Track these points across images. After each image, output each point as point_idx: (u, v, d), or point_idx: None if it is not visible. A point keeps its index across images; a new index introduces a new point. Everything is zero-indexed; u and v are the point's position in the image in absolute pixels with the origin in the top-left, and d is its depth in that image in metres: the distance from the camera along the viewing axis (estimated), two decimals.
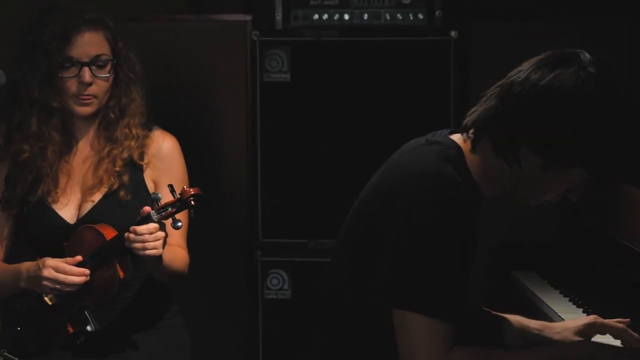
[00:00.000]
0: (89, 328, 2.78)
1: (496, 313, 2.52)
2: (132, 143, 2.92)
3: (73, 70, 2.87)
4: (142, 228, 2.63)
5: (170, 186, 2.67)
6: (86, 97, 2.88)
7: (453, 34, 3.62)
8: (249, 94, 3.71)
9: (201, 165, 3.78)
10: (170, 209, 2.65)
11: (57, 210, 2.88)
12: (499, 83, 2.23)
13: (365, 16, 3.66)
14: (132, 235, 2.64)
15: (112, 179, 2.88)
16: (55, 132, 2.91)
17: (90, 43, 2.89)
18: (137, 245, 2.64)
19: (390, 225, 2.15)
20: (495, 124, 2.20)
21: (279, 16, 3.67)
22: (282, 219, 3.74)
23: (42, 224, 2.88)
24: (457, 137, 2.27)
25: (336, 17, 3.67)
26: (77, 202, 2.90)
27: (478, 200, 2.25)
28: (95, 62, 2.88)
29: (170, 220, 2.65)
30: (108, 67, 2.90)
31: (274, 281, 3.76)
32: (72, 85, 2.88)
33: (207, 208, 3.79)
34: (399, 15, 3.65)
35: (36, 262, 2.75)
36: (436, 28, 3.65)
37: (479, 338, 2.35)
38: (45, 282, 2.71)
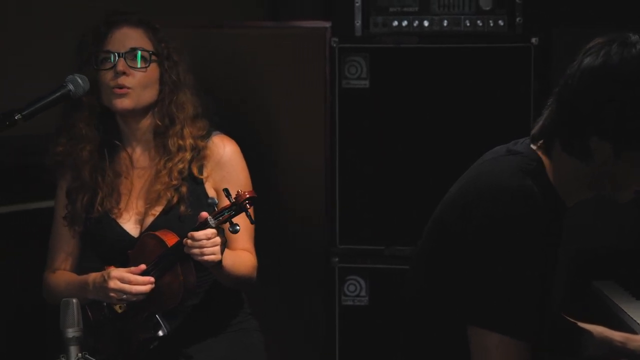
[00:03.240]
0: (160, 333, 2.79)
1: (578, 323, 2.48)
2: (187, 155, 2.89)
3: (110, 63, 2.87)
4: (199, 234, 2.64)
5: (226, 190, 2.66)
6: (120, 88, 2.85)
7: (534, 40, 3.58)
8: (328, 101, 3.71)
9: (280, 172, 3.80)
10: (227, 214, 2.64)
11: (122, 225, 2.91)
12: (556, 89, 2.21)
13: (445, 23, 3.64)
14: (189, 241, 2.65)
15: (170, 193, 2.87)
16: (107, 137, 2.93)
17: (127, 36, 2.89)
18: (195, 250, 2.65)
19: (467, 239, 2.13)
20: (559, 124, 2.17)
21: (358, 23, 3.67)
22: (360, 225, 3.74)
23: (107, 238, 2.91)
24: (536, 147, 2.24)
25: (416, 23, 3.65)
26: (139, 215, 2.91)
27: (561, 212, 2.21)
28: (131, 53, 2.87)
29: (228, 225, 2.65)
30: (146, 61, 2.88)
31: (351, 288, 3.76)
32: (109, 78, 2.86)
33: (285, 214, 3.82)
34: (479, 21, 3.63)
35: (102, 273, 2.78)
36: (517, 34, 3.61)
37: (558, 350, 2.32)
38: (111, 294, 2.73)
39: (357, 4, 3.66)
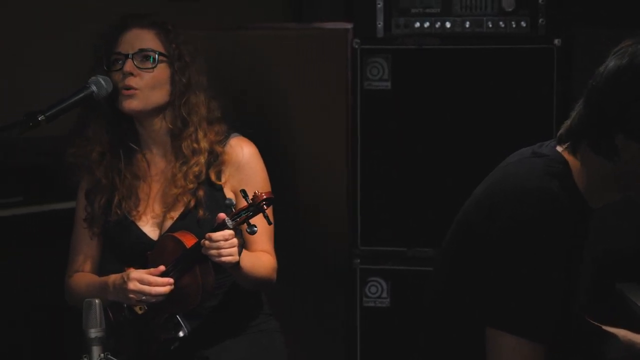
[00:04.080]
0: (181, 333, 2.80)
1: (602, 327, 2.47)
2: (201, 159, 2.89)
3: (119, 65, 2.87)
4: (217, 235, 2.64)
5: (243, 191, 2.66)
6: (128, 88, 2.84)
7: (556, 41, 3.57)
8: (350, 102, 3.71)
9: (301, 173, 3.80)
10: (244, 215, 2.64)
11: (141, 227, 2.91)
12: (584, 90, 2.21)
13: (467, 24, 3.63)
14: (207, 242, 2.65)
15: (187, 197, 2.87)
16: (123, 140, 2.94)
17: (136, 38, 2.88)
18: (213, 252, 2.65)
19: (491, 240, 2.13)
20: (587, 125, 2.16)
21: (380, 24, 3.67)
22: (382, 227, 3.73)
23: (126, 241, 2.91)
24: (562, 149, 2.24)
25: (438, 25, 3.65)
26: (157, 218, 2.92)
27: (586, 214, 2.21)
28: (139, 54, 2.86)
29: (245, 226, 2.66)
30: (154, 62, 2.87)
31: (373, 289, 3.75)
32: (119, 80, 2.86)
33: (307, 216, 3.83)
34: (501, 23, 3.62)
35: (121, 274, 2.78)
36: (539, 36, 3.60)
37: (581, 353, 2.31)
38: (131, 295, 2.74)
39: (379, 5, 3.65)
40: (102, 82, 2.79)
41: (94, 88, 2.78)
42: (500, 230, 2.12)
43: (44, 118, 2.64)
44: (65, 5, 4.52)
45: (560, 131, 2.24)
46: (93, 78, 2.79)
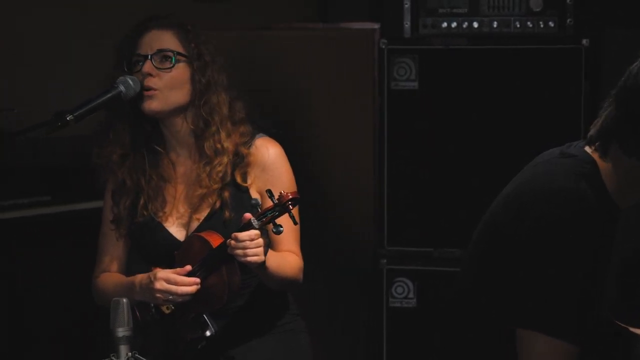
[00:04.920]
0: (208, 333, 2.80)
1: (630, 328, 2.46)
2: (225, 159, 2.87)
3: (139, 66, 2.86)
4: (242, 235, 2.63)
5: (269, 191, 2.65)
6: (148, 89, 2.83)
7: (585, 42, 3.56)
8: (377, 102, 3.71)
9: (328, 173, 3.81)
10: (270, 215, 2.63)
11: (167, 228, 2.91)
12: (614, 90, 2.20)
13: (495, 24, 3.63)
14: (233, 242, 2.64)
15: (212, 198, 2.86)
16: (148, 142, 2.94)
17: (155, 39, 2.87)
18: (239, 251, 2.64)
19: (519, 240, 2.13)
20: (617, 125, 2.15)
21: (407, 24, 3.67)
22: (408, 227, 3.73)
23: (153, 242, 2.91)
24: (591, 150, 2.23)
25: (465, 25, 3.64)
26: (184, 219, 2.91)
27: (614, 215, 2.20)
28: (158, 55, 2.85)
29: (271, 226, 2.66)
30: (172, 62, 2.85)
31: (399, 289, 3.75)
32: (140, 81, 2.85)
33: (334, 216, 3.83)
34: (529, 23, 3.61)
35: (148, 274, 2.78)
36: (567, 36, 3.59)
37: (607, 354, 2.30)
38: (158, 295, 2.74)
39: (406, 5, 3.65)
40: (130, 82, 2.80)
41: (122, 88, 2.78)
42: (529, 230, 2.11)
43: (72, 118, 2.65)
44: (93, 9, 4.56)
45: (590, 132, 2.23)
46: (121, 78, 2.80)
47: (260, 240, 2.65)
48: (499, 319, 2.17)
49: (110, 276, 2.99)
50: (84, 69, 4.12)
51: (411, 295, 3.74)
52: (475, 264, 2.27)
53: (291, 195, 2.62)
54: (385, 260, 3.75)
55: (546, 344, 2.09)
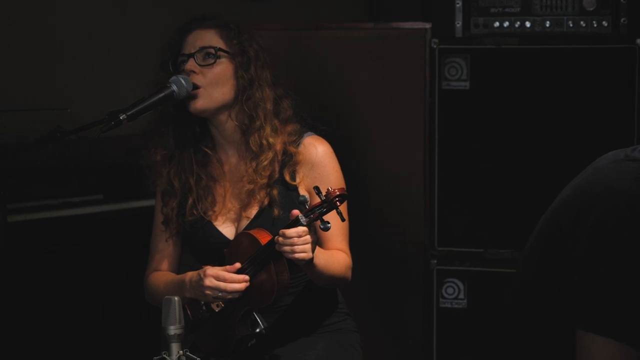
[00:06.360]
0: (257, 330, 2.81)
1: None
2: (270, 154, 2.88)
3: (184, 66, 2.89)
4: (290, 231, 2.63)
5: (317, 188, 2.65)
6: (193, 88, 2.85)
7: (639, 41, 3.52)
8: (428, 102, 3.70)
9: (379, 173, 3.80)
10: (317, 211, 2.63)
11: (217, 227, 2.93)
12: None
13: (547, 24, 3.60)
14: (281, 239, 2.65)
15: (260, 195, 2.88)
16: (196, 144, 2.96)
17: (198, 38, 2.89)
18: (287, 248, 2.64)
19: (580, 241, 2.11)
20: None
21: (459, 24, 3.65)
22: (459, 227, 3.72)
23: (203, 240, 2.93)
24: None
25: (517, 24, 3.62)
26: (234, 217, 2.93)
27: None
28: (201, 52, 2.87)
29: (319, 223, 2.66)
30: (215, 58, 2.87)
31: (449, 290, 3.74)
32: None
33: (384, 216, 3.82)
34: (582, 22, 3.58)
35: (197, 272, 2.80)
36: (621, 35, 3.55)
37: None
38: (207, 292, 2.75)
39: (457, 5, 3.64)
40: (183, 81, 2.82)
41: (174, 87, 2.80)
42: (589, 232, 2.09)
43: (125, 117, 2.67)
44: (143, 11, 4.60)
45: None
46: (174, 77, 2.82)
47: (308, 237, 2.65)
48: (557, 320, 2.16)
49: (162, 275, 3.01)
50: (127, 69, 4.16)
51: (462, 295, 3.72)
52: (534, 263, 2.26)
53: (339, 191, 2.62)
54: (435, 261, 3.74)
55: (606, 347, 2.07)
